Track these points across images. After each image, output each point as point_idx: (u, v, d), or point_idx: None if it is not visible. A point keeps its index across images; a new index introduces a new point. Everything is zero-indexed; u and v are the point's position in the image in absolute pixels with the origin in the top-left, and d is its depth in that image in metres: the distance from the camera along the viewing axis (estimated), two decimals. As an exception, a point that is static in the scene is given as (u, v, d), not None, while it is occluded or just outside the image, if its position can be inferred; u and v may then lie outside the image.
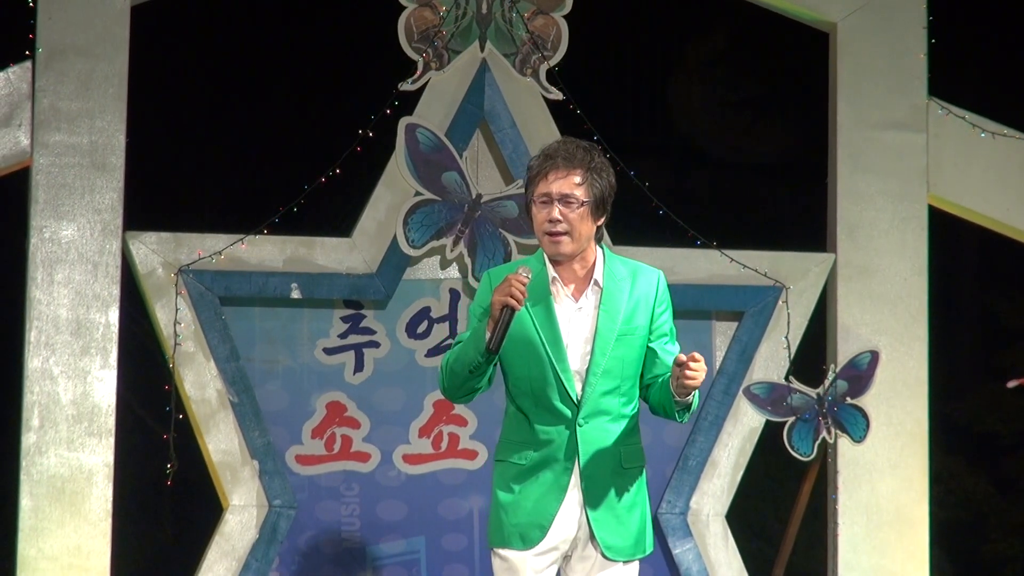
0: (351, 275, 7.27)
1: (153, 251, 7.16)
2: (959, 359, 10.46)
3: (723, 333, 7.59)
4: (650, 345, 4.89)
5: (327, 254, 7.29)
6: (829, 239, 7.65)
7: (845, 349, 7.53)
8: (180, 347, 7.14)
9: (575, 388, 4.81)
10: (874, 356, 7.51)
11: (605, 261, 4.89)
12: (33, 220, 7.09)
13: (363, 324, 7.42)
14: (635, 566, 4.91)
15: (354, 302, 7.40)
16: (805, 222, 8.50)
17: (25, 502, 6.99)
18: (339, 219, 7.64)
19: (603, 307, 4.82)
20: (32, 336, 7.04)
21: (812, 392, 7.50)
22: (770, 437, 7.54)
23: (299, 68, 9.85)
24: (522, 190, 7.32)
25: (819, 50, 7.74)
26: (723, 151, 10.94)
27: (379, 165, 7.38)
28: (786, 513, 7.91)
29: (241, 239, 7.20)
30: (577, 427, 4.81)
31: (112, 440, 7.06)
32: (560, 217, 4.78)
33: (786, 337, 7.50)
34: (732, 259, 7.48)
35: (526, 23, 7.42)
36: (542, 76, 7.45)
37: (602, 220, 4.87)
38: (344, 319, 7.40)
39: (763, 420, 7.52)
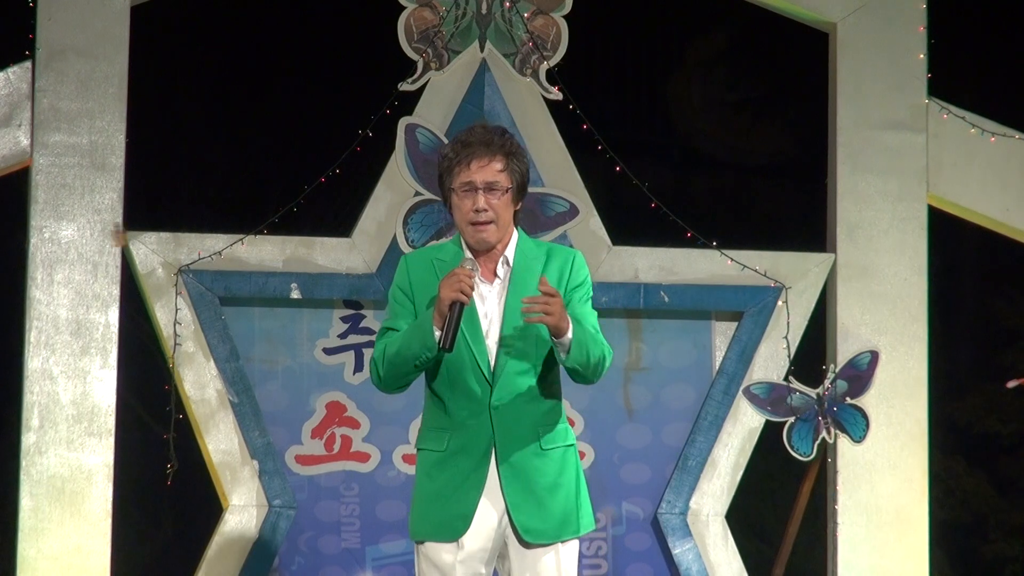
0: (351, 275, 7.27)
1: (153, 251, 7.16)
2: (959, 359, 10.46)
3: (723, 333, 7.59)
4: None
5: (327, 254, 7.29)
6: (829, 239, 7.65)
7: (845, 349, 7.53)
8: (180, 347, 7.14)
9: (490, 368, 4.70)
10: (874, 356, 7.51)
11: (518, 242, 4.78)
12: (33, 220, 7.09)
13: (363, 324, 7.42)
14: (573, 546, 4.77)
15: (354, 302, 7.40)
16: (805, 222, 8.51)
17: (25, 502, 6.99)
18: (339, 219, 7.64)
19: (512, 285, 4.73)
20: (32, 336, 7.04)
21: (812, 392, 7.51)
22: (770, 437, 7.54)
23: (299, 68, 9.85)
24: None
25: (819, 50, 7.74)
26: (723, 151, 10.94)
27: (379, 165, 7.38)
28: (786, 513, 7.91)
29: (241, 239, 7.20)
30: (492, 410, 4.70)
31: (112, 440, 7.06)
32: (485, 206, 4.70)
33: (786, 337, 7.50)
34: (732, 259, 7.48)
35: (526, 23, 7.42)
36: (542, 76, 7.45)
37: (520, 204, 4.79)
38: (344, 319, 7.41)
39: (763, 420, 7.52)
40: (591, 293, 4.83)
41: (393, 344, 4.72)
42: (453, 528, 4.70)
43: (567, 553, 4.76)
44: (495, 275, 4.76)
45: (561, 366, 4.75)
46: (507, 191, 4.71)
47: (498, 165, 4.72)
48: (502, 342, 4.70)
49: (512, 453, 4.70)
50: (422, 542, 4.75)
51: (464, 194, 4.73)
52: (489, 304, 4.74)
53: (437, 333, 4.61)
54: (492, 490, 4.71)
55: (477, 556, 4.72)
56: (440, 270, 4.72)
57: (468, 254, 4.75)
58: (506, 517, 4.71)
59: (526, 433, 4.72)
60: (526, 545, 4.71)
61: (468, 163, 4.72)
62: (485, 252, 4.75)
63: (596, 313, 4.84)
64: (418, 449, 4.83)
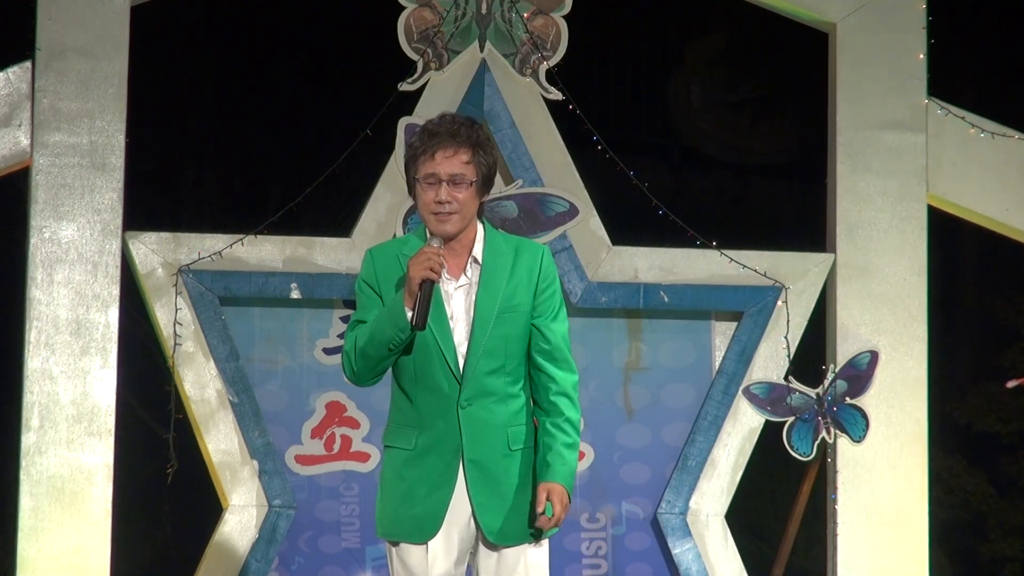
0: (351, 275, 7.27)
1: (153, 251, 7.16)
2: (959, 359, 10.48)
3: (723, 333, 7.59)
4: (533, 323, 4.69)
5: (327, 254, 7.29)
6: (829, 239, 7.65)
7: (844, 349, 7.53)
8: (180, 347, 7.14)
9: (458, 367, 4.64)
10: (873, 356, 7.51)
11: (486, 237, 4.68)
12: (33, 220, 7.09)
13: (363, 324, 7.42)
14: (543, 545, 4.72)
15: (354, 302, 7.39)
16: (805, 222, 8.52)
17: (25, 502, 6.99)
18: (339, 219, 7.64)
19: (482, 284, 4.65)
20: (32, 336, 7.04)
21: (812, 392, 7.51)
22: (770, 437, 7.54)
23: (299, 68, 9.87)
24: (522, 190, 7.38)
25: (819, 50, 7.74)
26: (723, 151, 10.97)
27: (379, 165, 7.38)
28: (786, 513, 7.91)
29: (241, 239, 7.20)
30: (460, 409, 4.63)
31: (112, 440, 7.06)
32: (448, 198, 4.59)
33: (785, 337, 7.50)
34: (732, 259, 7.48)
35: (526, 23, 7.42)
36: (542, 76, 7.45)
37: (487, 197, 4.69)
38: (344, 319, 7.41)
39: (763, 420, 7.52)
40: (559, 289, 4.77)
41: (363, 335, 4.67)
42: (425, 529, 4.67)
43: (536, 554, 4.71)
44: (463, 272, 4.68)
45: (531, 369, 4.72)
46: (472, 184, 4.60)
47: (464, 156, 4.60)
48: (472, 341, 4.64)
49: (480, 453, 4.65)
50: (396, 543, 4.73)
51: (428, 185, 4.60)
52: (456, 302, 4.67)
53: (409, 313, 4.54)
54: (461, 489, 4.66)
55: (450, 556, 4.69)
56: (405, 264, 4.63)
57: (434, 241, 4.64)
58: (474, 517, 4.67)
59: (494, 433, 4.66)
60: (493, 547, 4.68)
61: (433, 153, 4.60)
62: (449, 245, 4.64)
63: (566, 320, 4.77)
64: (386, 446, 4.78)
